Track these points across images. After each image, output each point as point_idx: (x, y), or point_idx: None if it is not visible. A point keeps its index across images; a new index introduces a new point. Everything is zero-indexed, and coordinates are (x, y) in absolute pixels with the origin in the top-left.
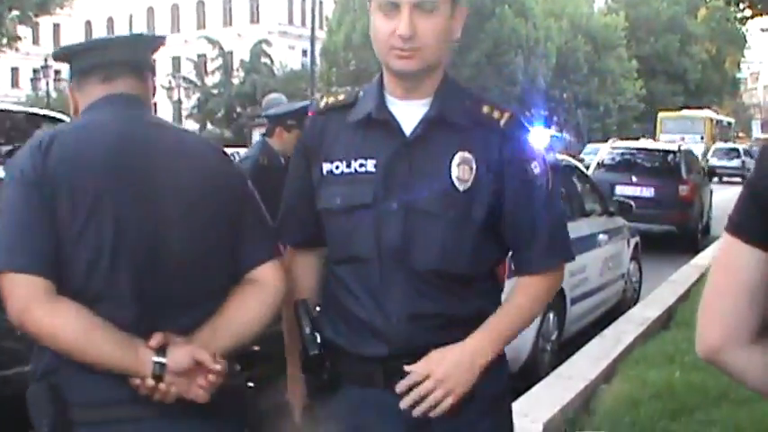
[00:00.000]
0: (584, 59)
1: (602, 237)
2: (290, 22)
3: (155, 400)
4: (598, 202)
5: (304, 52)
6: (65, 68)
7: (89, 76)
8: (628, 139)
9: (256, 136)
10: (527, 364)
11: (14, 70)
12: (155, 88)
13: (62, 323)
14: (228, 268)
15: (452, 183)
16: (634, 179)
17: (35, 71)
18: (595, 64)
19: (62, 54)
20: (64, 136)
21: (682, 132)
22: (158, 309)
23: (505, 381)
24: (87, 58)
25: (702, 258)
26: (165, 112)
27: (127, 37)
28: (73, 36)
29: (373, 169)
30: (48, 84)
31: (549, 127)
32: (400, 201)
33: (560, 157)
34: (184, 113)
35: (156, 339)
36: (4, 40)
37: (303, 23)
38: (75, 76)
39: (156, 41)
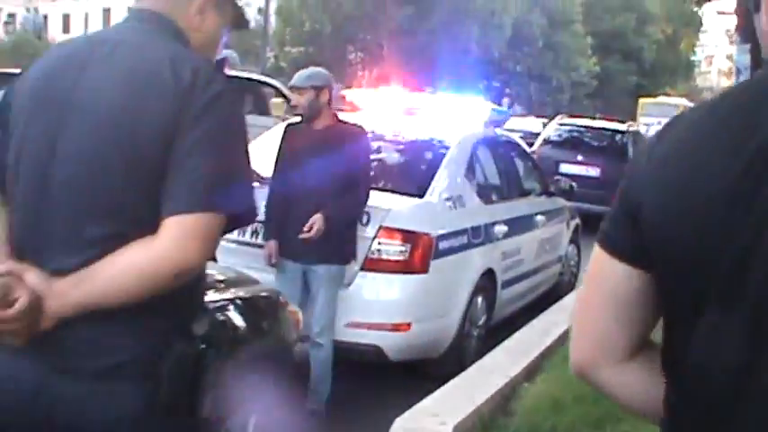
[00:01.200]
0: (539, 33)
1: (539, 218)
2: None
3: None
4: (538, 182)
5: (259, 10)
6: (19, 12)
7: None
8: (580, 116)
9: None
10: (451, 350)
11: None
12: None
13: None
14: (143, 213)
15: None
16: (580, 158)
17: None
18: (550, 38)
19: None
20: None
21: (659, 116)
22: (39, 241)
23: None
24: None
25: None
26: None
27: None
28: None
29: None
30: None
31: (499, 102)
32: None
33: (500, 132)
34: None
35: (2, 268)
36: None
37: None
38: None
39: None
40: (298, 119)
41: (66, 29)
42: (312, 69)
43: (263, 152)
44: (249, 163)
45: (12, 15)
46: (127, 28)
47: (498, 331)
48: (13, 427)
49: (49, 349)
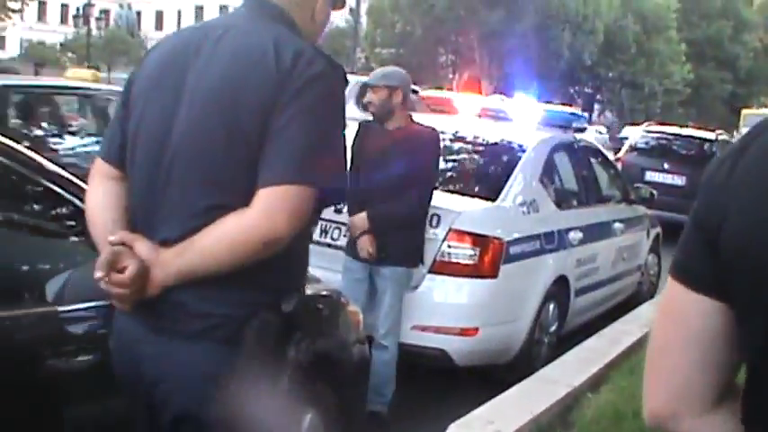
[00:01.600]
0: (632, 39)
1: (617, 225)
2: None
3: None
4: (618, 189)
5: (351, 10)
6: (113, 8)
7: None
8: (668, 124)
9: None
10: (520, 357)
11: (64, 7)
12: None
13: (90, 199)
14: (243, 185)
15: None
16: (666, 166)
17: (78, 9)
18: (644, 45)
19: None
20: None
21: None
22: (155, 212)
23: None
24: None
25: None
26: None
27: None
28: None
29: None
30: (89, 22)
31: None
32: None
33: (579, 137)
34: None
35: (117, 237)
36: None
37: None
38: None
39: None
40: (371, 117)
41: (158, 25)
42: (389, 68)
43: None
44: (344, 143)
45: (104, 12)
46: (239, 15)
47: (573, 339)
48: (117, 375)
49: (148, 311)
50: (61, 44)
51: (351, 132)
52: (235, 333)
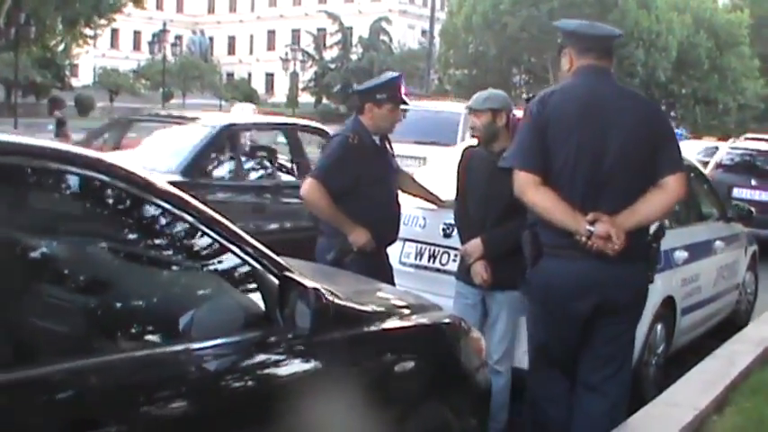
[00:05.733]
0: (705, 55)
1: (718, 243)
2: (412, 1)
3: (586, 248)
4: (716, 206)
5: (423, 32)
6: (185, 34)
7: (586, 52)
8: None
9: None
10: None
11: (137, 34)
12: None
13: (537, 199)
14: (648, 176)
15: None
16: (753, 182)
17: (153, 35)
18: (717, 61)
19: (566, 31)
20: (556, 92)
21: None
22: (596, 199)
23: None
24: (587, 42)
25: None
26: (281, 83)
27: (609, 35)
28: (193, 1)
29: None
30: (164, 48)
31: None
32: None
33: None
34: (301, 86)
35: (591, 216)
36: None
37: (425, 3)
38: (573, 49)
39: (617, 36)
40: (475, 141)
41: (231, 51)
42: (490, 91)
43: (441, 175)
44: None
45: (178, 38)
46: (598, 79)
47: (674, 361)
48: (574, 301)
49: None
50: (134, 71)
51: (455, 157)
52: (646, 255)
